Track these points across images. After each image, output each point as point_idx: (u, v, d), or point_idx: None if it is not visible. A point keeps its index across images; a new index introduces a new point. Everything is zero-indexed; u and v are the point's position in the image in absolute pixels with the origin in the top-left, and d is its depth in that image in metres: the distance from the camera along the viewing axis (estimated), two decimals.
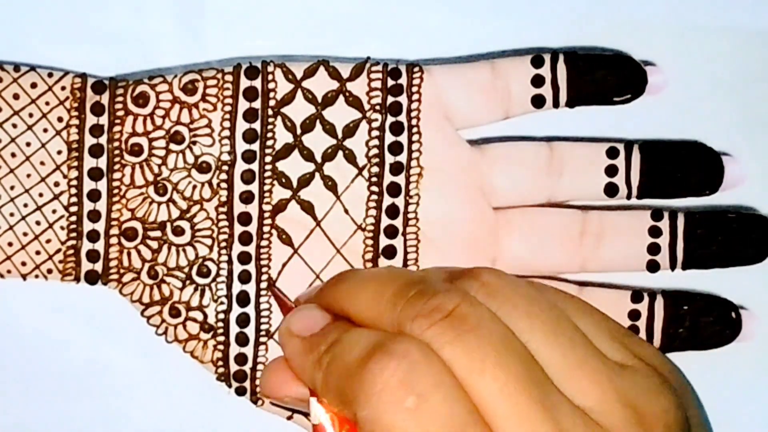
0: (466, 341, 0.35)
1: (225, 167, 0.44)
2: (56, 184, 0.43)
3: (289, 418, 0.44)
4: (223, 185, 0.44)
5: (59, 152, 0.43)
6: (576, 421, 0.35)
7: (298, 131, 0.44)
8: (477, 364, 0.35)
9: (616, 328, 0.39)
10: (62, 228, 0.43)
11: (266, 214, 0.44)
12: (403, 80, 0.44)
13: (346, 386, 0.36)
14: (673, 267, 0.45)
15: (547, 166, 0.44)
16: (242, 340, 0.44)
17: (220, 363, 0.44)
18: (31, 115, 0.43)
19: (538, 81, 0.44)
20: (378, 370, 0.35)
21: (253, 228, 0.44)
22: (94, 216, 0.43)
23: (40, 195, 0.43)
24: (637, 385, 0.37)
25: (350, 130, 0.44)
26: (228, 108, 0.43)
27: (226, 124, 0.43)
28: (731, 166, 0.45)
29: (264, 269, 0.44)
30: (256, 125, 0.44)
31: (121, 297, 0.44)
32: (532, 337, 0.36)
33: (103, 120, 0.43)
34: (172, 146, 0.43)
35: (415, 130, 0.44)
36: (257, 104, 0.44)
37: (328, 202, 0.44)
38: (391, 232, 0.44)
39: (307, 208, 0.44)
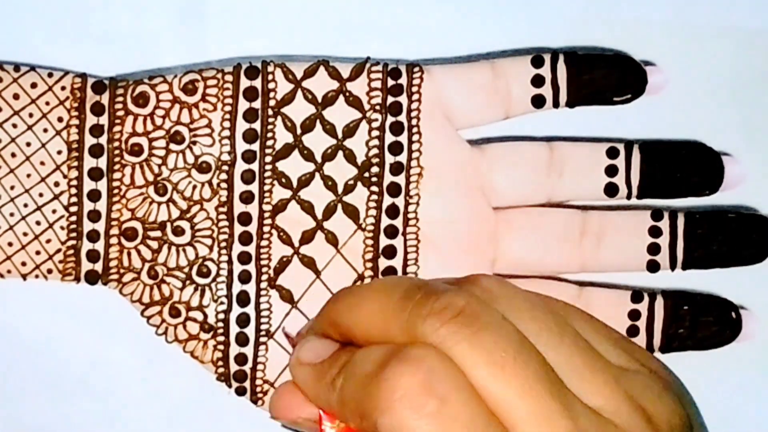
0: (481, 338, 0.35)
1: (225, 167, 0.44)
2: (56, 184, 0.43)
3: None
4: (223, 185, 0.44)
5: (59, 152, 0.43)
6: (591, 420, 0.35)
7: (298, 131, 0.44)
8: (496, 361, 0.35)
9: (615, 334, 0.39)
10: (62, 228, 0.43)
11: (266, 214, 0.44)
12: (403, 80, 0.44)
13: (364, 398, 0.36)
14: (673, 267, 0.45)
15: (547, 166, 0.44)
16: (242, 340, 0.44)
17: (220, 363, 0.44)
18: (31, 115, 0.43)
19: (538, 81, 0.44)
20: (396, 377, 0.35)
21: (253, 228, 0.44)
22: (94, 216, 0.43)
23: (40, 195, 0.43)
24: (642, 387, 0.37)
25: (350, 130, 0.44)
26: (228, 108, 0.43)
27: (226, 124, 0.43)
28: (731, 166, 0.45)
29: (264, 269, 0.44)
30: (256, 125, 0.44)
31: (121, 297, 0.44)
32: (538, 340, 0.36)
33: (103, 120, 0.43)
34: (172, 146, 0.43)
35: (415, 130, 0.44)
36: (257, 104, 0.44)
37: (328, 202, 0.44)
38: (391, 232, 0.44)
39: (307, 208, 0.44)
